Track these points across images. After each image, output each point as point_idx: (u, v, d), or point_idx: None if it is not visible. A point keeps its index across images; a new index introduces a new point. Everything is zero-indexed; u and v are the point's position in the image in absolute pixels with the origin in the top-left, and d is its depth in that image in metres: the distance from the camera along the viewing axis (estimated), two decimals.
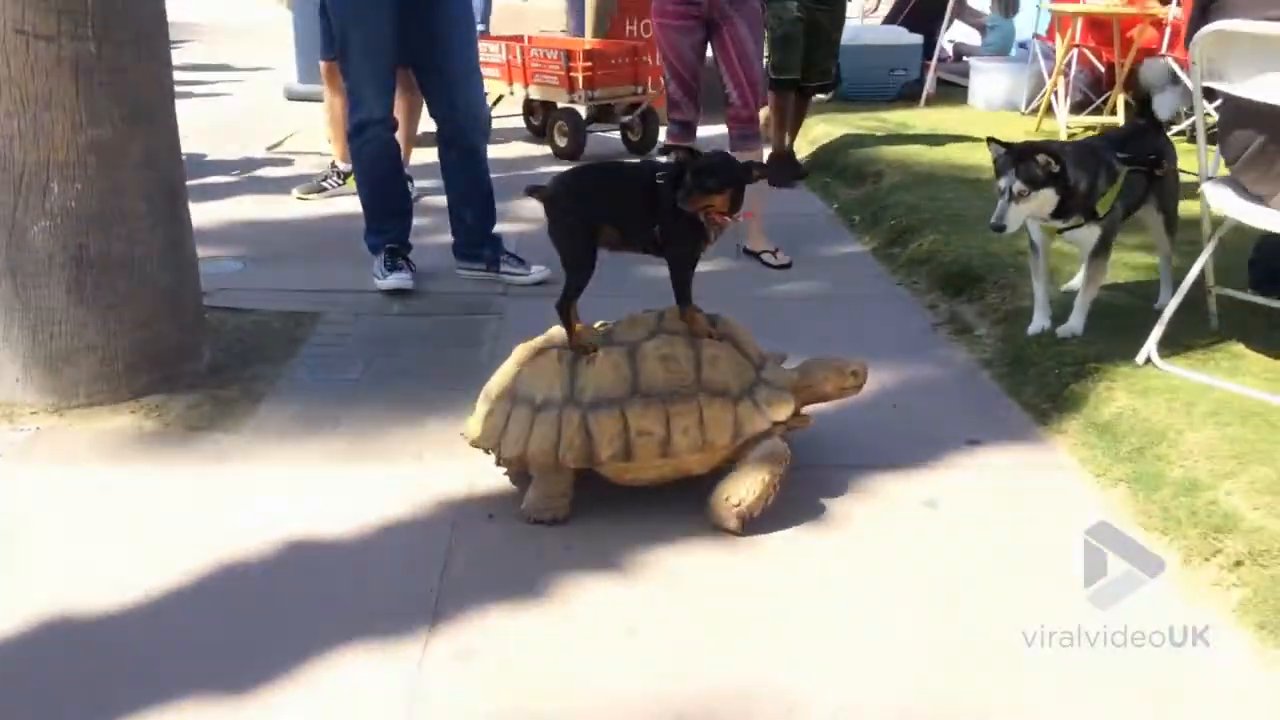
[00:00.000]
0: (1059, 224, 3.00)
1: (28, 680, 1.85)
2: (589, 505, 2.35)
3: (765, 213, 4.27)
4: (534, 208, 4.71)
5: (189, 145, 5.37)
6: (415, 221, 4.00)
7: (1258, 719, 1.80)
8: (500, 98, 6.48)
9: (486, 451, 2.41)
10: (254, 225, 4.56)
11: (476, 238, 3.90)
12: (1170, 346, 2.92)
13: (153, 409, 2.80)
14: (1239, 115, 2.81)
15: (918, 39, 7.63)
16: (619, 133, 6.35)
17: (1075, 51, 6.56)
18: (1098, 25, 6.55)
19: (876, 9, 8.31)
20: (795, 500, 2.36)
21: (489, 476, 2.48)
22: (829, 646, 1.96)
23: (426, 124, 4.45)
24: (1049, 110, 6.44)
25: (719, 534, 2.29)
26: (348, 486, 2.46)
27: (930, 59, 7.52)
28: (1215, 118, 3.55)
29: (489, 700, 1.81)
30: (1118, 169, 2.96)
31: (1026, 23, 7.98)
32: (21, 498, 2.41)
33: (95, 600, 2.03)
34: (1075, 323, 3.10)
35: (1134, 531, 2.30)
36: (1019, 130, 5.71)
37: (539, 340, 2.45)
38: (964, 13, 8.64)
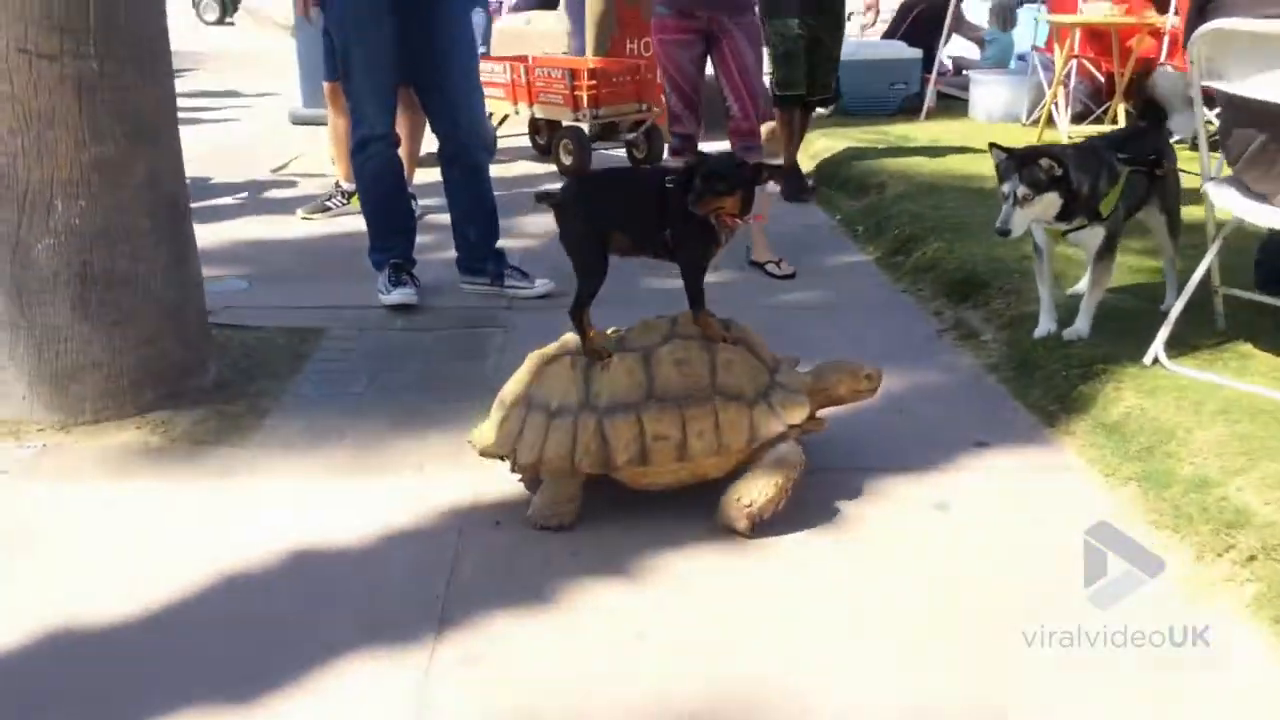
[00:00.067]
0: (1063, 226, 3.00)
1: (34, 692, 1.84)
2: (596, 511, 2.34)
3: (769, 225, 4.27)
4: (537, 223, 4.80)
5: (194, 169, 5.39)
6: (419, 239, 4.01)
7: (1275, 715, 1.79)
8: (505, 117, 6.51)
9: (501, 459, 2.40)
10: (259, 245, 4.57)
11: (480, 253, 3.91)
12: (1178, 347, 2.91)
13: (158, 425, 2.79)
14: (1239, 115, 2.81)
15: (917, 53, 7.66)
16: (624, 150, 6.37)
17: (1074, 62, 6.58)
18: (1096, 36, 6.57)
19: (874, 24, 8.33)
20: (805, 503, 2.35)
21: (494, 485, 2.48)
22: (839, 648, 1.94)
23: (429, 144, 4.48)
24: (1049, 121, 6.45)
25: (727, 538, 2.28)
26: (353, 498, 2.45)
27: (930, 73, 7.54)
28: (1215, 125, 3.57)
29: (496, 705, 1.80)
30: (1119, 169, 2.96)
31: (1025, 35, 8.00)
32: (27, 512, 2.41)
33: (101, 612, 2.02)
34: (1081, 325, 3.09)
35: (1145, 530, 2.29)
36: (1020, 141, 5.66)
37: (553, 347, 2.44)
38: (962, 27, 8.67)
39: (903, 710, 1.79)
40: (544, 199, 2.48)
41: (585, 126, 5.98)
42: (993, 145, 2.98)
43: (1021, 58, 7.81)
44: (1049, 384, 2.94)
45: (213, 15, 18.29)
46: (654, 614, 2.04)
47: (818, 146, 6.34)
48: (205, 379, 3.04)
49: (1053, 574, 2.14)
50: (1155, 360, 2.87)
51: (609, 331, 2.45)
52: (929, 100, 7.40)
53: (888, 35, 8.45)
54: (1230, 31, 2.62)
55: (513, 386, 2.42)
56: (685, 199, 2.30)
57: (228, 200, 5.38)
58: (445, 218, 4.02)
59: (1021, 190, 2.86)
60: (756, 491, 2.26)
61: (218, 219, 4.89)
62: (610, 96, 6.02)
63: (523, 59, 6.30)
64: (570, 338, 2.43)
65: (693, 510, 2.34)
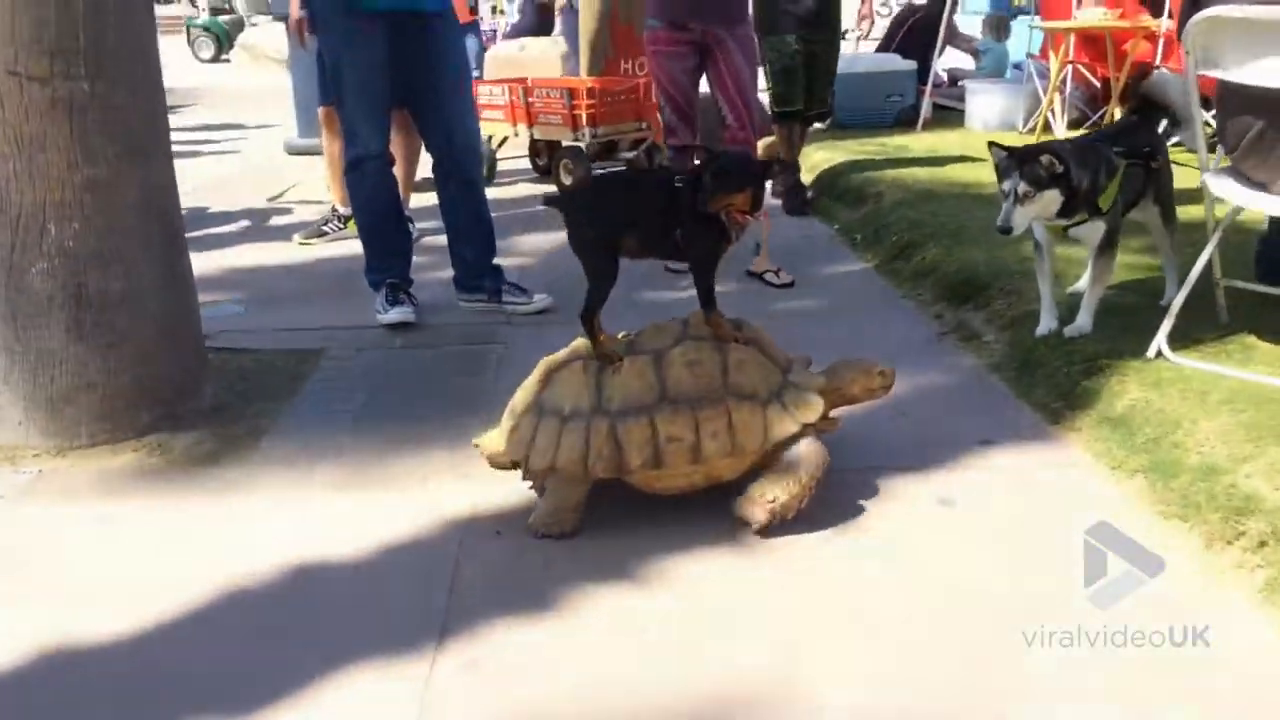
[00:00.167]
0: (1063, 222, 2.98)
1: (33, 709, 1.82)
2: (598, 517, 2.32)
3: (767, 235, 4.25)
4: (534, 242, 4.80)
5: (191, 200, 5.42)
6: (416, 259, 4.01)
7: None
8: (505, 139, 6.51)
9: (510, 467, 2.38)
10: (255, 271, 4.56)
11: (477, 270, 3.90)
12: (1181, 340, 2.88)
13: (155, 447, 2.78)
14: (1235, 102, 2.79)
15: (912, 65, 7.67)
16: (624, 169, 6.37)
17: (1070, 68, 6.59)
18: (1091, 41, 6.58)
19: (868, 35, 8.35)
20: (809, 502, 2.32)
21: (496, 496, 2.46)
22: (843, 646, 1.91)
23: (424, 170, 4.48)
24: (1046, 128, 6.45)
25: (731, 541, 2.25)
26: (353, 512, 2.43)
27: (925, 84, 7.56)
28: (1212, 126, 3.56)
29: (498, 709, 1.77)
30: (1116, 163, 2.94)
31: (1020, 44, 8.02)
32: (22, 534, 2.39)
33: (97, 630, 2.00)
34: (1083, 321, 3.07)
35: (1153, 520, 2.26)
36: None
37: (563, 353, 2.42)
38: (956, 39, 8.69)
39: (908, 709, 1.76)
40: (552, 202, 2.47)
41: (584, 145, 5.99)
42: (992, 144, 2.97)
43: (1017, 66, 7.84)
44: (1052, 381, 2.92)
45: (208, 52, 18.41)
46: (657, 617, 2.01)
47: (815, 159, 6.34)
48: (202, 401, 3.02)
49: (1058, 569, 2.11)
50: (1158, 353, 2.84)
51: (619, 336, 2.42)
52: (925, 111, 7.40)
53: (882, 48, 8.47)
54: (1225, 19, 2.61)
55: (523, 394, 2.39)
56: (695, 198, 2.28)
57: (224, 229, 5.38)
58: (442, 239, 4.02)
59: (1022, 188, 2.84)
60: (780, 488, 2.23)
61: (214, 247, 4.89)
62: (609, 115, 6.02)
63: (521, 81, 6.31)
64: (580, 343, 2.40)
65: (696, 514, 2.31)
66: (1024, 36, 7.92)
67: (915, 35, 8.10)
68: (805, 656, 1.88)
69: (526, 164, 6.77)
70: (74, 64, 2.64)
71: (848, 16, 6.39)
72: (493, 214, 3.99)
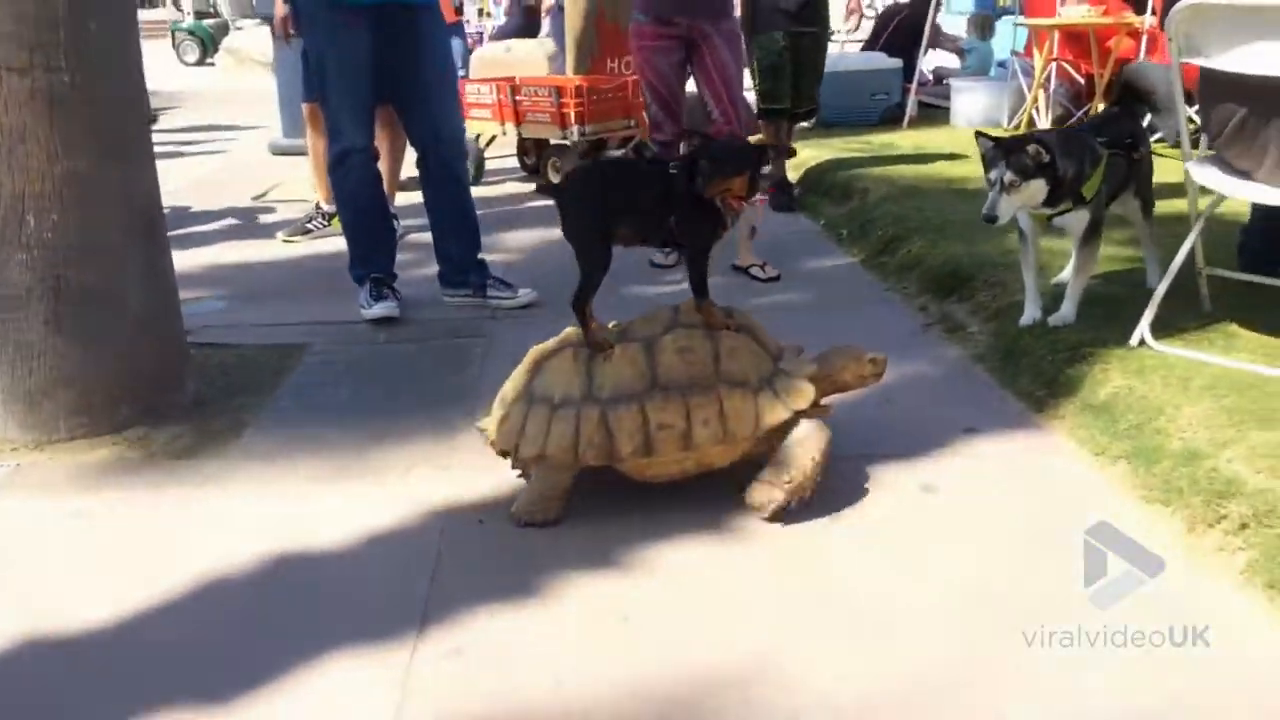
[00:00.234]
0: (1048, 211, 2.99)
1: (11, 699, 1.80)
2: (582, 505, 2.31)
3: (761, 219, 4.25)
4: (520, 239, 4.78)
5: (174, 199, 5.40)
6: (400, 256, 4.00)
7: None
8: (493, 138, 6.50)
9: (503, 454, 2.37)
10: (239, 268, 4.54)
11: (462, 265, 3.88)
12: (1164, 328, 2.88)
13: (134, 441, 2.75)
14: (1218, 90, 2.80)
15: (897, 63, 7.69)
16: None
17: (1054, 65, 6.61)
18: (1075, 38, 6.60)
19: (858, 28, 8.36)
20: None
21: (479, 487, 2.45)
22: (828, 631, 1.91)
23: (409, 169, 4.47)
24: (1030, 125, 6.46)
25: (716, 528, 2.24)
26: (335, 503, 2.42)
27: (910, 82, 7.57)
28: (1195, 122, 3.58)
29: (478, 695, 1.76)
30: (1100, 152, 2.95)
31: (1004, 43, 8.05)
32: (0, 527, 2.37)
33: (75, 619, 1.98)
34: (1067, 311, 3.07)
35: (1136, 504, 2.27)
36: None
37: (553, 342, 2.41)
38: (940, 39, 8.72)
39: (888, 690, 1.75)
40: (546, 189, 2.46)
41: (572, 143, 5.98)
42: (979, 134, 2.98)
43: (1001, 64, 7.86)
44: (1036, 370, 2.92)
45: (193, 56, 18.34)
46: (639, 602, 2.00)
47: (802, 156, 6.30)
48: (183, 395, 3.00)
49: (1044, 551, 2.12)
50: (1141, 341, 2.85)
51: (610, 325, 2.41)
52: (910, 109, 7.42)
53: (868, 46, 8.49)
54: (1208, 6, 2.62)
55: (513, 382, 2.38)
56: (690, 184, 2.27)
57: (207, 227, 5.36)
58: (427, 237, 4.01)
59: (1008, 177, 2.85)
60: (794, 469, 2.23)
61: (197, 244, 4.88)
62: (597, 113, 6.01)
63: (509, 79, 6.29)
64: (571, 331, 2.39)
65: (680, 502, 2.31)
66: (1008, 34, 7.94)
67: (901, 34, 8.12)
68: (790, 642, 1.88)
69: (514, 163, 6.76)
70: (54, 56, 2.62)
71: (835, 16, 6.38)
72: (480, 212, 3.98)
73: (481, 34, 12.55)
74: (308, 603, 2.04)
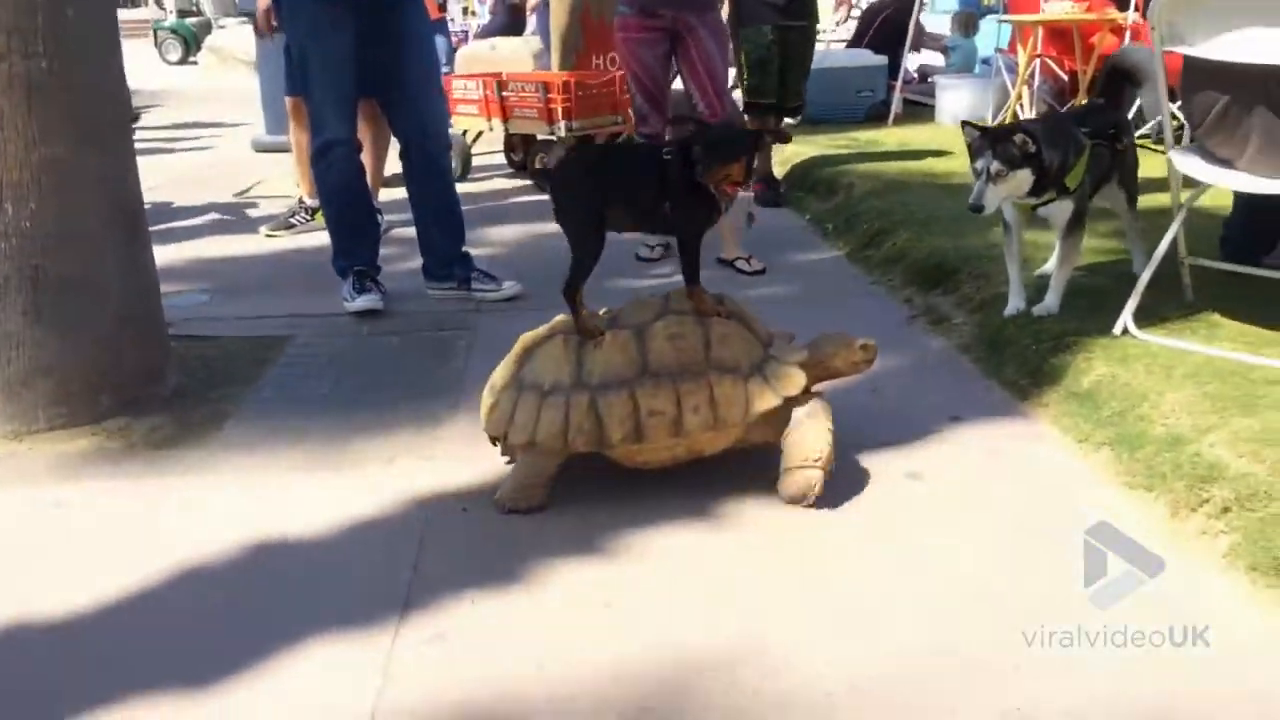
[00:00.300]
0: (1033, 201, 2.99)
1: None
2: (568, 492, 2.30)
3: (739, 225, 4.25)
4: (504, 234, 4.77)
5: (156, 195, 5.36)
6: (384, 251, 3.98)
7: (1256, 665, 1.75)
8: (480, 134, 6.47)
9: (493, 441, 2.35)
10: (221, 261, 4.51)
11: (446, 258, 3.86)
12: (1147, 317, 2.89)
13: (114, 431, 2.73)
14: (1200, 79, 2.80)
15: (882, 60, 7.70)
16: None
17: (1038, 62, 6.62)
18: (1058, 34, 6.61)
19: (846, 19, 8.37)
20: (774, 477, 2.30)
21: (463, 476, 2.44)
22: (813, 615, 1.90)
23: (392, 166, 4.45)
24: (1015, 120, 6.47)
25: (701, 514, 2.23)
26: (315, 493, 2.40)
27: (896, 80, 7.58)
28: (1179, 119, 3.59)
29: (460, 679, 1.74)
30: (1084, 142, 2.95)
31: (988, 40, 8.07)
32: None
33: (56, 609, 1.96)
34: (1051, 301, 3.08)
35: (1119, 490, 2.27)
36: None
37: (543, 329, 2.39)
38: (924, 38, 8.73)
39: (874, 673, 1.74)
40: (539, 174, 2.44)
41: (559, 138, 5.96)
42: (965, 123, 2.98)
43: (985, 62, 7.87)
44: (1020, 360, 2.92)
45: (175, 55, 18.21)
46: (625, 587, 1.99)
47: (788, 152, 6.33)
48: (164, 387, 2.98)
49: (1027, 535, 2.12)
50: (1124, 330, 2.85)
51: (601, 312, 2.40)
52: (895, 106, 7.43)
53: (853, 43, 8.51)
54: None
55: (503, 369, 2.37)
56: (684, 170, 2.26)
57: (190, 222, 5.32)
58: (410, 232, 3.98)
59: (995, 167, 2.85)
60: (813, 446, 2.22)
61: (179, 239, 4.84)
62: (585, 109, 5.99)
63: (496, 74, 6.27)
64: (561, 319, 2.38)
65: (665, 489, 2.30)
66: (992, 32, 7.96)
67: (888, 27, 8.14)
68: (778, 627, 1.87)
69: (500, 159, 6.74)
70: (31, 42, 2.59)
71: (824, 9, 6.37)
72: (465, 208, 3.97)
73: (466, 33, 12.53)
74: (289, 590, 2.03)
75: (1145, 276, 2.89)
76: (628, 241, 4.03)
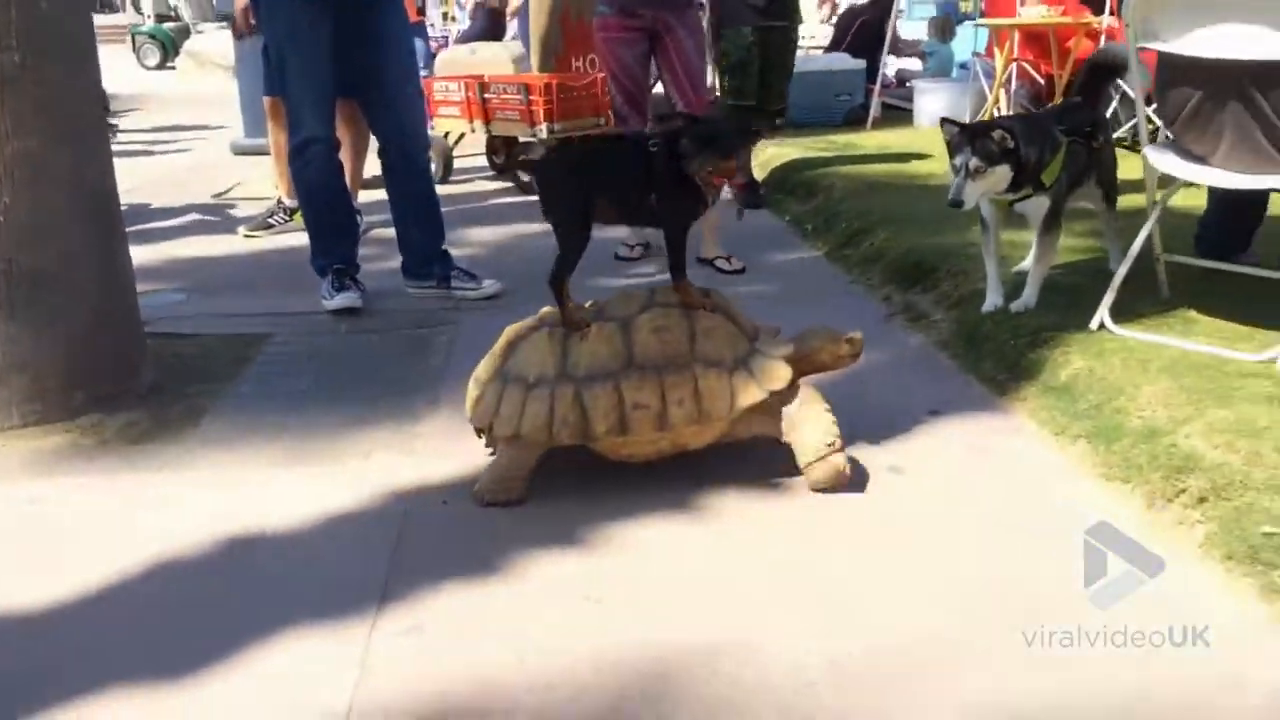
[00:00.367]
0: (1010, 197, 3.01)
1: None
2: (548, 485, 2.29)
3: (718, 225, 4.25)
4: (485, 234, 4.76)
5: (134, 197, 5.32)
6: (364, 251, 3.97)
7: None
8: (462, 136, 6.45)
9: (478, 433, 2.35)
10: (199, 261, 4.49)
11: (426, 256, 3.85)
12: (1123, 313, 2.91)
13: (89, 427, 2.70)
14: (1174, 75, 2.83)
15: (861, 64, 7.74)
16: None
17: (1015, 66, 6.66)
18: (1035, 38, 6.66)
19: (830, 18, 8.40)
20: (757, 471, 2.32)
21: (442, 470, 2.43)
22: (795, 607, 1.90)
23: (371, 167, 4.43)
24: None
25: (682, 507, 2.23)
26: (294, 487, 2.38)
27: (874, 84, 7.62)
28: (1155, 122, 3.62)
29: (439, 670, 1.73)
30: (1060, 139, 2.97)
31: (965, 45, 8.12)
32: None
33: (30, 604, 1.94)
34: (1028, 296, 3.09)
35: (1096, 482, 2.28)
36: None
37: (529, 321, 2.38)
38: (899, 45, 8.78)
39: (853, 663, 1.74)
40: (525, 165, 2.43)
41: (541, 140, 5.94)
42: (944, 120, 3.00)
43: (963, 66, 7.92)
44: (999, 355, 2.93)
45: (153, 59, 18.09)
46: (604, 580, 1.98)
47: (767, 155, 6.36)
48: (139, 383, 2.95)
49: (1003, 525, 2.14)
50: (1101, 325, 2.87)
51: (586, 305, 2.39)
52: (874, 110, 7.47)
53: (831, 47, 8.54)
54: None
55: (488, 362, 2.36)
56: (671, 162, 2.25)
57: (167, 223, 5.29)
58: (390, 232, 3.98)
59: (974, 163, 2.86)
60: (823, 435, 2.22)
61: (156, 239, 4.82)
62: (567, 110, 5.97)
63: (478, 76, 6.26)
64: (547, 311, 2.37)
65: (649, 482, 2.30)
66: (969, 36, 8.01)
67: (867, 31, 8.18)
68: (758, 618, 1.86)
69: (481, 161, 6.67)
70: (4, 35, 2.57)
71: (807, 9, 6.39)
72: (446, 209, 3.97)
73: (446, 38, 12.49)
74: (265, 583, 2.01)
75: (1121, 272, 2.92)
76: (608, 241, 4.04)
